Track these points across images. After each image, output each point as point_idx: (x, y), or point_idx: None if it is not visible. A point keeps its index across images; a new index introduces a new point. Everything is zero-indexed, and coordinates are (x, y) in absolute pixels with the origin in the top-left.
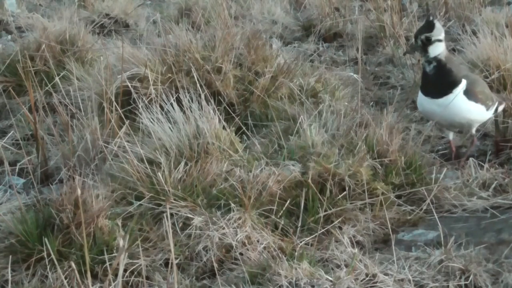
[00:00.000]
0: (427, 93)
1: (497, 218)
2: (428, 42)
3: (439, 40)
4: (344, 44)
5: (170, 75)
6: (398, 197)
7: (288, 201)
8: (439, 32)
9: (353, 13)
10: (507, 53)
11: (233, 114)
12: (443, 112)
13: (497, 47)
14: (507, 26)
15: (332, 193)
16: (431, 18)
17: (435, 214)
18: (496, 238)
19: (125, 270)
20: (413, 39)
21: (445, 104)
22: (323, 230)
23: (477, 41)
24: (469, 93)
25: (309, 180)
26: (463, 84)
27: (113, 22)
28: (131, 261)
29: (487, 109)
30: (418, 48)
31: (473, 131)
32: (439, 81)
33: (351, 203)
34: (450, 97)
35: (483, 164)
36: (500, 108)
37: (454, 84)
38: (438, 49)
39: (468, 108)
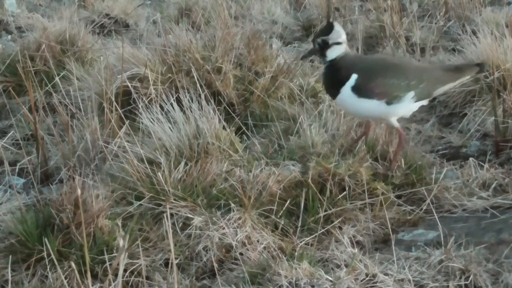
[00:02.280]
0: (327, 92)
1: (497, 218)
2: (326, 45)
3: (338, 43)
4: None
5: (170, 75)
6: (398, 197)
7: (288, 201)
8: (337, 35)
9: (353, 13)
10: (507, 53)
11: (233, 114)
12: (345, 108)
13: (497, 47)
14: (507, 26)
15: (332, 193)
16: (331, 19)
17: (435, 214)
18: (496, 238)
19: (125, 270)
20: (312, 42)
21: (342, 101)
22: (323, 230)
23: (477, 41)
24: (360, 89)
25: (309, 180)
26: (351, 80)
27: (113, 22)
28: (131, 261)
29: (392, 102)
30: (316, 51)
31: (394, 124)
32: (330, 80)
33: (351, 203)
34: (339, 97)
35: (483, 164)
36: (444, 89)
37: (341, 82)
38: (336, 52)
39: (360, 106)
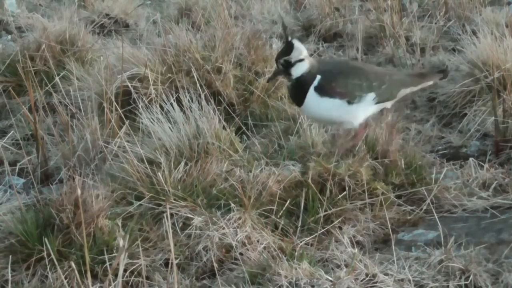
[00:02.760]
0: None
1: (497, 218)
2: (289, 64)
3: (300, 60)
4: (344, 44)
5: (170, 75)
6: (398, 197)
7: (288, 201)
8: (298, 52)
9: (353, 13)
10: (507, 53)
11: (233, 114)
12: (311, 113)
13: (497, 47)
14: (507, 26)
15: (332, 193)
16: (289, 39)
17: (435, 214)
18: (496, 238)
19: (125, 270)
20: (275, 64)
21: (307, 106)
22: (323, 230)
23: (477, 41)
24: (323, 88)
25: (309, 180)
26: (315, 81)
27: (113, 22)
28: (131, 261)
29: (353, 102)
30: (280, 72)
31: (355, 125)
32: (297, 91)
33: (351, 203)
34: (305, 100)
35: (483, 164)
36: (407, 91)
37: (307, 86)
38: (301, 69)
39: (322, 106)
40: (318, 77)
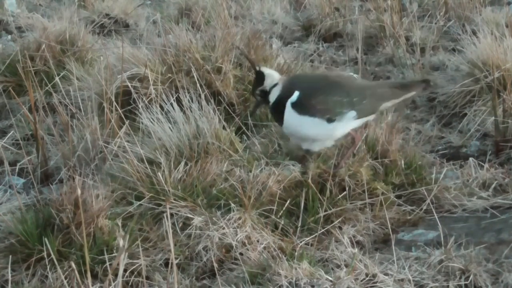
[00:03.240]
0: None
1: (497, 218)
2: (265, 93)
3: (274, 85)
4: (344, 44)
5: (170, 75)
6: (398, 197)
7: (288, 201)
8: (271, 79)
9: (353, 13)
10: (507, 53)
11: (233, 114)
12: (292, 132)
13: (497, 47)
14: (507, 26)
15: (332, 193)
16: (257, 68)
17: (435, 214)
18: (496, 238)
19: (125, 270)
20: (252, 96)
21: (287, 123)
22: (323, 230)
23: (477, 41)
24: (301, 106)
25: (309, 180)
26: (294, 96)
27: (113, 22)
28: (131, 261)
29: (334, 120)
30: (260, 103)
31: (332, 143)
32: (277, 110)
33: (351, 203)
34: (286, 113)
35: (483, 164)
36: (388, 105)
37: (285, 99)
38: (276, 93)
39: (301, 123)
40: (297, 93)
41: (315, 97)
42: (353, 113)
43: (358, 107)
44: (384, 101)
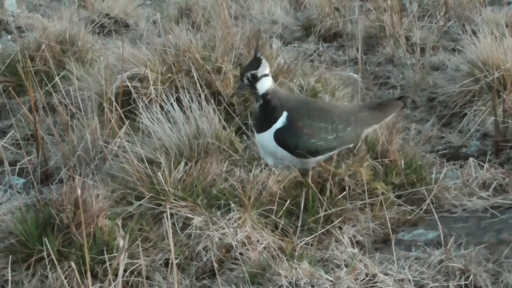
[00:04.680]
0: (254, 128)
1: (497, 218)
2: (255, 79)
3: (266, 75)
4: (344, 44)
5: (170, 75)
6: (398, 197)
7: (288, 201)
8: (264, 67)
9: (353, 13)
10: (507, 53)
11: (233, 114)
12: (264, 147)
13: (497, 47)
14: (507, 26)
15: (332, 193)
16: (258, 55)
17: (435, 214)
18: (496, 238)
19: (125, 270)
20: (240, 78)
21: (264, 139)
22: (323, 230)
23: (477, 41)
24: (285, 140)
25: (309, 180)
26: (283, 117)
27: (113, 22)
28: (131, 261)
29: (317, 148)
30: (246, 86)
31: (309, 169)
32: (263, 116)
33: (351, 203)
34: (268, 132)
35: (483, 164)
36: (369, 131)
37: (274, 119)
38: (266, 84)
39: (280, 151)
40: (285, 113)
41: (303, 122)
42: (334, 151)
43: (343, 133)
44: (366, 127)
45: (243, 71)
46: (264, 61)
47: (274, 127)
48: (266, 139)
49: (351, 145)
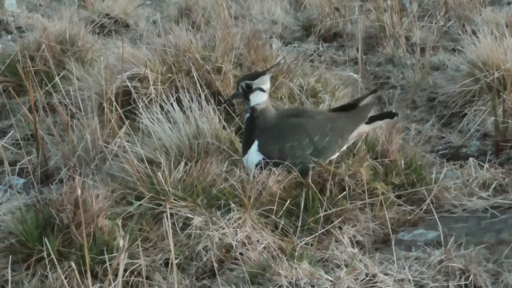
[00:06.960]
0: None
1: (497, 218)
2: (249, 89)
3: (261, 90)
4: (344, 44)
5: (170, 75)
6: (398, 197)
7: (288, 201)
8: (262, 82)
9: (353, 13)
10: (507, 53)
11: (233, 114)
12: (249, 168)
13: (497, 47)
14: (507, 26)
15: (332, 193)
16: (269, 72)
17: (435, 214)
18: (496, 238)
19: (125, 270)
20: (236, 85)
21: (245, 161)
22: (323, 230)
23: (477, 41)
24: (261, 153)
25: (309, 180)
26: (254, 145)
27: (113, 22)
28: (131, 261)
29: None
30: (239, 95)
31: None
32: (245, 137)
33: (351, 203)
34: (246, 156)
35: (483, 164)
36: (353, 137)
37: (250, 144)
38: (259, 98)
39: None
40: (256, 143)
41: (271, 146)
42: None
43: (324, 151)
44: (347, 133)
45: (240, 79)
46: (266, 77)
47: (249, 152)
48: (246, 160)
49: (339, 153)
